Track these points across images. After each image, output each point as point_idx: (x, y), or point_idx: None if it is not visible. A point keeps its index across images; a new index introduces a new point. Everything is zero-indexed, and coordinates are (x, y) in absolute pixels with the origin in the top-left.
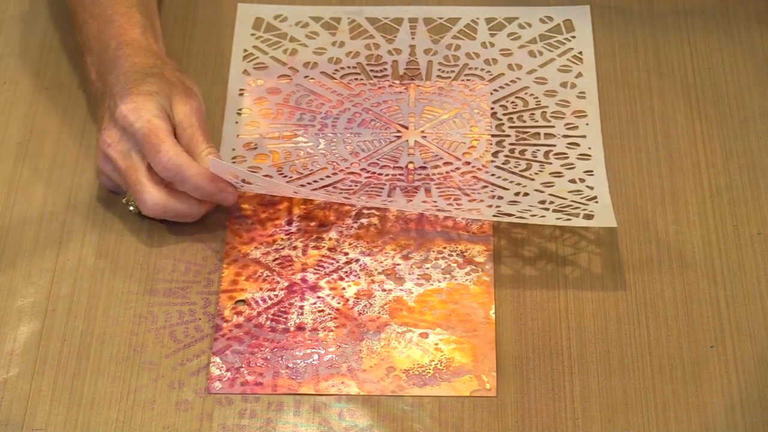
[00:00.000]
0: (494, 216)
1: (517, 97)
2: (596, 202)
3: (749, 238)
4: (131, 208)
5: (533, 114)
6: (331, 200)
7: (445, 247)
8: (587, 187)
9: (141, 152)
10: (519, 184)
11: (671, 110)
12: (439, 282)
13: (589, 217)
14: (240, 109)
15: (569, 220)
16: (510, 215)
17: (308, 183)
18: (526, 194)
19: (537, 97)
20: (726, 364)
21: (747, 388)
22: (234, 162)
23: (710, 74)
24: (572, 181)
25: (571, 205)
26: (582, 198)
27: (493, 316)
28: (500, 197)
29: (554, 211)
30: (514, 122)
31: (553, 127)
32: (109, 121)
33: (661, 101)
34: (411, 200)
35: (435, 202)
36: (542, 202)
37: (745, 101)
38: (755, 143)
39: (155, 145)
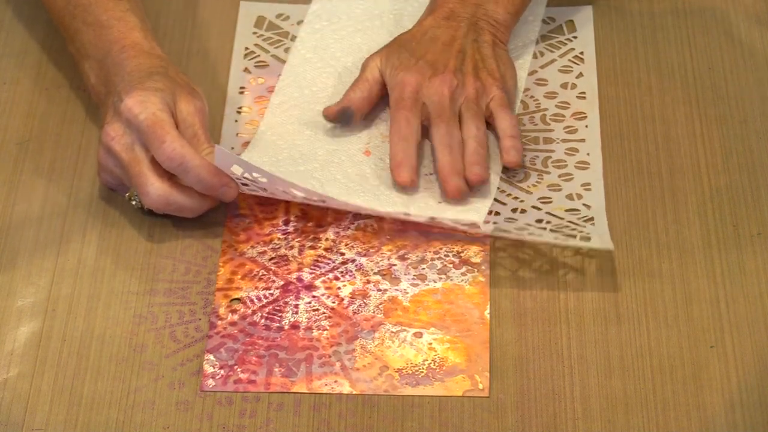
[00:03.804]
0: (492, 232)
1: None
2: (593, 224)
3: (749, 238)
4: (134, 202)
5: (533, 117)
6: (329, 205)
7: (441, 248)
8: (584, 205)
9: (144, 146)
10: (516, 198)
11: (671, 110)
12: (435, 282)
13: (586, 239)
14: (240, 108)
15: (566, 239)
16: (507, 231)
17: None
18: (523, 210)
19: (537, 99)
20: (726, 364)
21: (747, 388)
22: None
23: (710, 74)
24: (569, 197)
25: (568, 226)
26: (579, 218)
27: (488, 316)
28: (497, 213)
29: (551, 231)
30: None
31: (552, 131)
32: (113, 115)
33: (661, 101)
34: (408, 214)
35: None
36: (539, 221)
37: (745, 101)
38: (755, 143)
39: (160, 136)
